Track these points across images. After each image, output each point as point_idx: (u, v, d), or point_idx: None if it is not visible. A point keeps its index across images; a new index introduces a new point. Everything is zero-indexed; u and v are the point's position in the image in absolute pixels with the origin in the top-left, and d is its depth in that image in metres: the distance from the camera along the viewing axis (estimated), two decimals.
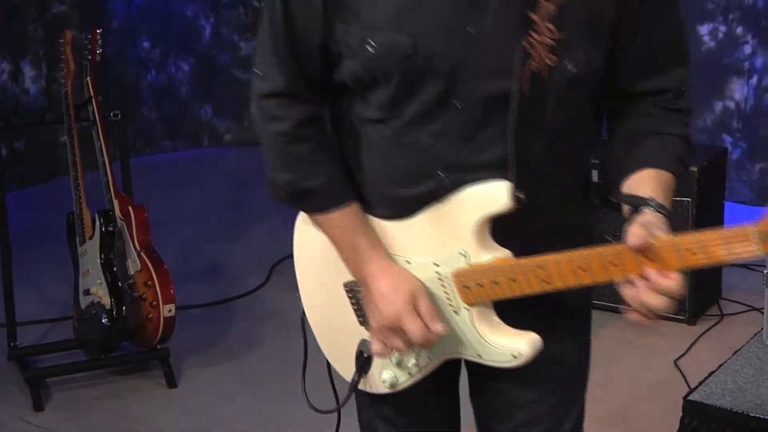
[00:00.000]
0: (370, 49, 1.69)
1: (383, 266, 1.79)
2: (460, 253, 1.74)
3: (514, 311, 1.77)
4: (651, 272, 1.58)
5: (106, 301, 3.75)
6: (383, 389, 1.90)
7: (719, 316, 4.29)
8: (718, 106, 5.54)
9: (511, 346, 1.76)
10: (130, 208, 3.78)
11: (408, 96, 1.71)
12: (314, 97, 1.83)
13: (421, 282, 1.78)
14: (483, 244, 1.73)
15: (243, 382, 3.88)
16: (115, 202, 3.78)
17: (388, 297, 1.76)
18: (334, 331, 1.96)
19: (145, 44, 6.60)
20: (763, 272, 3.75)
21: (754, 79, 5.41)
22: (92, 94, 3.82)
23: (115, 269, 3.79)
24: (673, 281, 1.57)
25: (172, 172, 6.36)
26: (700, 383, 3.43)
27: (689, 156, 1.82)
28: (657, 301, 1.59)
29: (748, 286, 4.44)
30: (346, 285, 1.88)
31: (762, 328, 3.75)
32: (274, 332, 4.26)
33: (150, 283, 3.70)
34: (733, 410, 3.21)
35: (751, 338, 3.77)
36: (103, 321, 3.75)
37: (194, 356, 4.05)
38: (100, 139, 3.79)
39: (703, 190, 4.17)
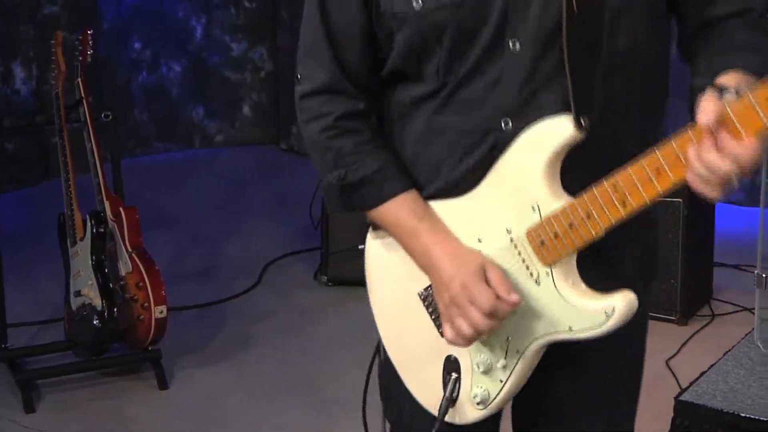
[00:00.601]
0: (419, 4, 1.66)
1: (448, 247, 1.71)
2: (532, 207, 1.63)
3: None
4: (722, 135, 1.43)
5: (98, 302, 3.75)
6: (475, 413, 1.75)
7: (710, 317, 4.30)
8: None
9: (603, 304, 1.62)
10: (121, 209, 3.77)
11: (462, 50, 1.66)
12: (357, 93, 1.79)
13: (493, 258, 1.68)
14: (554, 192, 1.62)
15: (236, 383, 3.87)
16: (107, 204, 3.78)
17: (457, 273, 1.67)
18: (419, 360, 1.82)
19: (137, 45, 6.59)
20: (753, 273, 3.76)
21: None
22: (83, 95, 3.81)
23: (106, 270, 3.78)
24: (743, 146, 1.42)
25: (164, 173, 6.36)
26: (692, 383, 3.43)
27: None
28: (724, 164, 1.44)
29: (739, 287, 4.45)
30: (420, 294, 1.78)
31: (753, 329, 3.75)
32: (267, 333, 4.26)
33: (141, 284, 3.70)
34: (725, 410, 3.22)
35: (742, 339, 3.77)
36: (95, 322, 3.74)
37: (187, 357, 4.04)
38: (91, 141, 3.78)
39: (693, 191, 4.17)
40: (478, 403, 1.73)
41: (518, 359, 1.69)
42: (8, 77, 5.98)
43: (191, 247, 5.21)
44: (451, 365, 1.75)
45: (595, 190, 1.57)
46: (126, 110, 6.45)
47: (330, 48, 1.77)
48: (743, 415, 3.18)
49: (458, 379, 1.74)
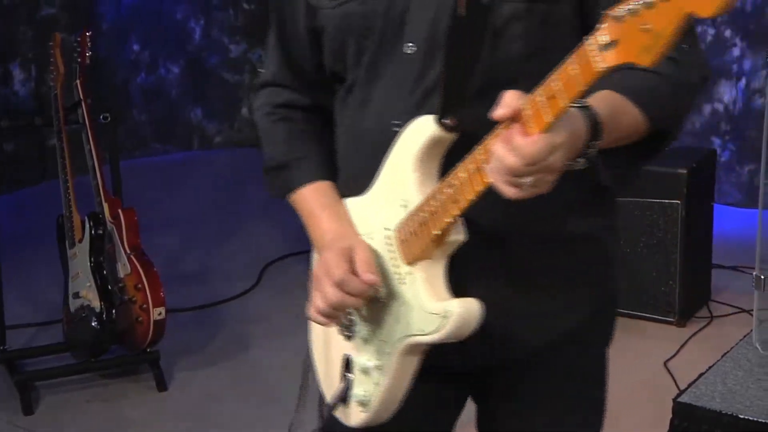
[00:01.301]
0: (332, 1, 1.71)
1: (336, 231, 1.74)
2: (401, 205, 1.64)
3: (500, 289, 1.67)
4: (512, 129, 1.40)
5: (96, 304, 3.75)
6: (359, 415, 1.74)
7: (709, 318, 4.30)
8: (707, 108, 5.55)
9: (442, 307, 1.58)
10: (119, 210, 3.77)
11: (364, 49, 1.69)
12: (302, 88, 1.85)
13: (375, 249, 1.68)
14: (423, 191, 1.61)
15: (234, 384, 3.87)
16: (105, 205, 3.78)
17: (325, 250, 1.70)
18: (328, 359, 1.84)
19: (135, 46, 6.59)
20: (752, 274, 3.76)
21: (743, 82, 5.42)
22: (82, 96, 3.81)
23: (105, 272, 3.78)
24: (529, 140, 1.38)
25: (162, 174, 6.35)
26: (690, 385, 3.43)
27: (674, 99, 1.61)
28: (508, 157, 1.39)
29: (737, 288, 4.45)
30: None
31: (751, 330, 3.75)
32: (265, 335, 4.25)
33: (140, 286, 3.70)
34: (723, 412, 3.22)
35: (741, 340, 3.77)
36: (93, 324, 3.74)
37: (185, 359, 4.04)
38: (89, 142, 3.78)
39: (692, 192, 4.18)
40: (359, 405, 1.73)
41: (389, 361, 1.68)
42: (7, 78, 5.98)
43: (190, 248, 5.20)
44: (348, 365, 1.76)
45: (438, 188, 1.57)
46: (125, 111, 6.44)
47: (279, 43, 1.85)
48: (742, 416, 3.18)
49: (351, 380, 1.74)
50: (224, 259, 5.06)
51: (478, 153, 1.49)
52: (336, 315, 1.70)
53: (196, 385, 3.88)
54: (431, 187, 1.59)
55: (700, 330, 4.20)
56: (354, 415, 1.75)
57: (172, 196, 5.88)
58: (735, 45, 5.42)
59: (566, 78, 1.36)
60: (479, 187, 1.49)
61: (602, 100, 1.51)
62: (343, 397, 1.74)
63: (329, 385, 1.83)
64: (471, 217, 1.58)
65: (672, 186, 4.16)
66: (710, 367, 3.54)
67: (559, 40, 1.63)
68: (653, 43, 1.29)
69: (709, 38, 5.47)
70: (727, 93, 5.46)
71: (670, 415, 3.23)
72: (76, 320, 3.81)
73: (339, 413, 1.77)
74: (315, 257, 1.81)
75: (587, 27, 1.61)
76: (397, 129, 1.66)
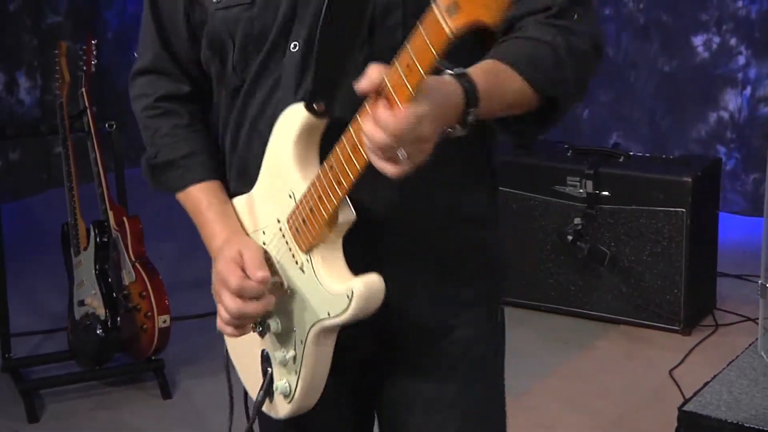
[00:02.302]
0: (216, 1, 1.69)
1: (222, 236, 1.74)
2: (289, 195, 1.63)
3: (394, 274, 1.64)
4: (378, 104, 1.38)
5: (101, 311, 3.75)
6: (285, 407, 1.76)
7: (714, 327, 4.29)
8: (713, 116, 5.56)
9: (345, 287, 1.58)
10: (124, 218, 3.78)
11: (252, 49, 1.68)
12: (182, 76, 1.83)
13: (271, 249, 1.68)
14: (306, 177, 1.60)
15: (238, 392, 3.87)
16: (110, 213, 3.78)
17: (217, 262, 1.71)
18: (246, 355, 1.84)
19: None
20: (757, 282, 3.76)
21: (748, 90, 5.42)
22: (87, 104, 3.82)
23: (109, 280, 3.78)
24: (394, 114, 1.36)
25: None
26: (695, 394, 3.43)
27: (559, 66, 1.58)
28: (377, 134, 1.38)
29: (742, 296, 4.45)
30: None
31: (757, 339, 3.75)
32: None
33: (145, 293, 3.70)
34: (728, 421, 3.22)
35: (746, 348, 3.77)
36: (98, 332, 3.74)
37: (189, 367, 4.04)
38: (94, 150, 3.79)
39: (697, 200, 4.18)
40: (285, 397, 1.74)
41: (303, 349, 1.68)
42: (12, 87, 5.99)
43: (194, 256, 5.20)
44: (266, 361, 1.77)
45: (320, 172, 1.56)
46: (129, 120, 6.44)
47: (156, 29, 1.82)
48: (747, 425, 3.18)
49: (272, 374, 1.75)
50: None
51: (352, 131, 1.47)
52: (244, 324, 1.71)
53: (201, 393, 3.88)
54: (313, 174, 1.59)
55: (705, 338, 4.20)
56: (280, 407, 1.77)
57: (176, 204, 5.86)
58: (740, 53, 5.42)
59: (419, 46, 1.34)
60: (360, 165, 1.48)
61: (482, 68, 1.50)
62: (268, 392, 1.76)
63: (252, 382, 1.85)
64: (362, 199, 1.58)
65: (677, 194, 4.16)
66: (715, 376, 3.54)
67: None
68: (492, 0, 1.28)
69: (714, 47, 5.48)
70: (732, 101, 5.46)
71: (675, 424, 3.23)
72: (80, 328, 3.81)
73: (266, 408, 1.80)
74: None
75: None
76: None
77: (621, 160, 4.37)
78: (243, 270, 1.66)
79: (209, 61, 1.76)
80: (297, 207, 1.62)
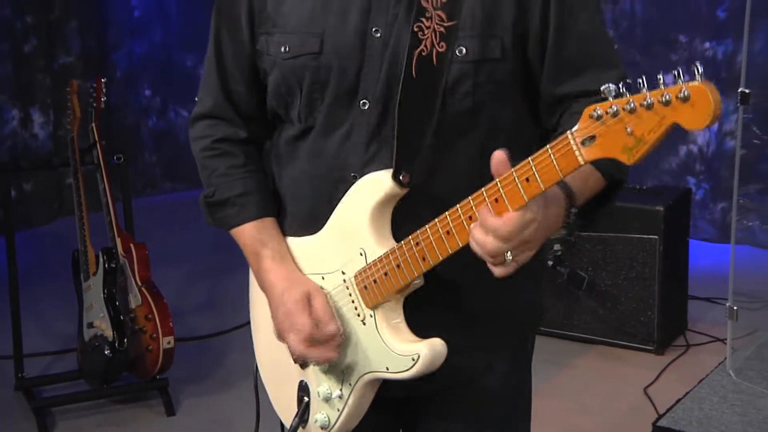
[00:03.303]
0: (285, 51, 1.69)
1: (281, 273, 1.73)
2: (360, 253, 1.65)
3: (438, 324, 1.67)
4: (482, 210, 1.43)
5: (109, 333, 3.73)
6: None
7: (685, 347, 4.29)
8: (683, 149, 5.58)
9: (411, 349, 1.61)
10: (131, 245, 3.77)
11: (319, 100, 1.69)
12: (240, 122, 1.82)
13: (332, 295, 1.69)
14: (380, 240, 1.63)
15: (238, 410, 3.85)
16: (118, 240, 3.77)
17: (282, 298, 1.70)
18: (280, 382, 1.85)
19: (147, 92, 6.62)
20: (726, 305, 3.77)
21: (716, 126, 5.45)
22: (96, 139, 3.82)
23: (117, 303, 3.77)
24: (500, 220, 1.40)
25: (171, 211, 6.35)
26: (669, 410, 3.43)
27: None
28: (488, 241, 1.42)
29: (712, 318, 4.45)
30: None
31: (725, 358, 3.75)
32: None
33: (150, 316, 3.69)
34: None
35: (716, 367, 3.77)
36: (106, 352, 3.72)
37: (192, 386, 4.03)
38: (103, 181, 3.78)
39: (669, 228, 4.19)
40: (320, 427, 1.75)
41: (350, 392, 1.71)
42: (27, 122, 6.00)
43: (197, 281, 5.20)
44: (303, 390, 1.78)
45: (404, 244, 1.59)
46: (136, 153, 6.46)
47: (219, 78, 1.81)
48: None
49: (308, 404, 1.76)
50: (229, 291, 5.05)
51: (449, 218, 1.50)
52: (306, 363, 1.73)
53: (203, 411, 3.86)
54: (387, 238, 1.62)
55: (677, 358, 4.19)
56: None
57: (181, 232, 5.87)
58: None
59: (545, 166, 1.37)
60: (451, 248, 1.52)
61: (574, 176, 1.50)
62: (302, 419, 1.76)
63: (282, 404, 1.85)
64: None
65: (650, 222, 4.17)
66: (687, 393, 3.54)
67: (503, 93, 1.65)
68: (635, 145, 1.32)
69: None
70: (701, 135, 5.49)
71: None
72: (89, 349, 3.80)
73: None
74: (253, 283, 1.87)
75: (530, 81, 1.66)
76: (353, 179, 1.66)
77: None
78: (312, 315, 1.67)
79: (274, 107, 1.76)
80: (369, 267, 1.63)
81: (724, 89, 5.37)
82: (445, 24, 1.60)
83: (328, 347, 1.67)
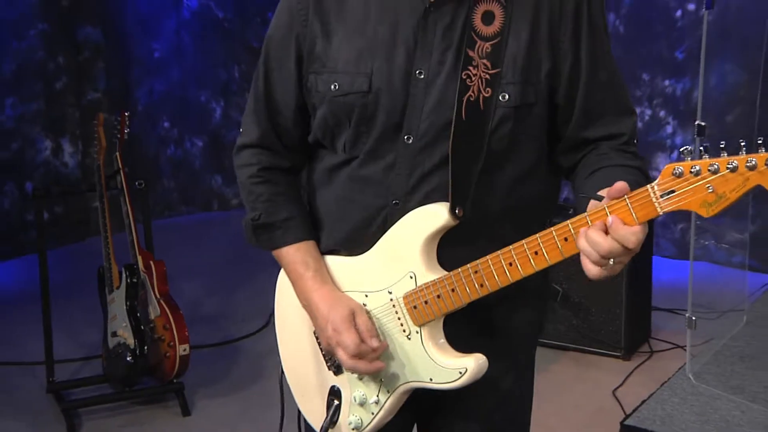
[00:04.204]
0: (334, 88, 1.68)
1: (325, 293, 1.73)
2: (410, 276, 1.66)
3: (460, 337, 1.69)
4: (613, 218, 1.46)
5: (131, 341, 3.72)
6: None
7: (649, 353, 4.28)
8: None
9: (458, 364, 1.65)
10: (151, 262, 3.76)
11: (365, 133, 1.69)
12: (284, 152, 1.82)
13: (375, 312, 1.70)
14: (429, 265, 1.65)
15: (247, 411, 3.84)
16: (139, 258, 3.76)
17: (329, 317, 1.70)
18: (309, 385, 1.85)
19: (165, 124, 6.62)
20: (685, 316, 3.76)
21: (675, 154, 5.46)
22: (120, 166, 3.82)
23: (138, 314, 3.76)
24: (630, 229, 1.44)
25: (187, 232, 6.34)
26: (634, 410, 3.42)
27: (648, 179, 1.66)
28: (600, 240, 1.46)
29: (673, 327, 4.44)
30: (315, 332, 1.80)
31: (685, 363, 3.74)
32: (274, 368, 4.21)
33: (168, 326, 3.68)
34: None
35: (677, 372, 3.77)
36: (128, 359, 3.71)
37: (206, 389, 4.01)
38: (126, 204, 3.78)
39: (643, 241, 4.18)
40: (353, 429, 1.76)
41: (388, 398, 1.72)
42: (58, 152, 5.99)
43: (210, 294, 5.18)
44: (334, 394, 1.77)
45: (461, 271, 1.61)
46: (156, 179, 6.46)
47: (267, 112, 1.80)
48: None
49: (339, 407, 1.76)
50: (239, 303, 5.04)
51: (513, 250, 1.54)
52: (356, 372, 1.74)
53: (215, 411, 3.84)
54: (435, 264, 1.64)
55: (642, 363, 4.18)
56: None
57: (196, 250, 5.86)
58: (668, 123, 5.46)
59: (623, 212, 1.45)
60: (512, 278, 1.55)
61: None
62: (332, 421, 1.76)
63: (310, 406, 1.85)
64: None
65: None
66: (651, 395, 3.53)
67: (532, 132, 1.68)
68: (715, 201, 1.37)
69: (647, 118, 5.52)
70: (662, 163, 5.50)
71: None
72: (113, 356, 3.78)
73: None
74: (282, 288, 1.85)
75: (551, 122, 1.69)
76: (395, 206, 1.67)
77: (570, 212, 4.37)
78: (357, 332, 1.68)
79: (319, 138, 1.76)
80: (420, 289, 1.65)
81: (682, 122, 5.39)
82: (490, 72, 1.62)
83: (374, 360, 1.68)
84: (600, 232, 1.46)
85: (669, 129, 5.46)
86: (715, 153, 1.40)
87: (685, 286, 3.83)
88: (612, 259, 1.47)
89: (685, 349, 3.89)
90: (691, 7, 5.29)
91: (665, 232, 5.50)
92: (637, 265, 4.22)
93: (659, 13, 5.39)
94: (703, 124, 3.56)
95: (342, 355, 1.68)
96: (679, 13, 5.36)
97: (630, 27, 5.46)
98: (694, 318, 3.73)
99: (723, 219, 5.22)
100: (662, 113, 5.47)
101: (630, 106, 1.73)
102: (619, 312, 4.17)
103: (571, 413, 3.74)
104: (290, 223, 1.79)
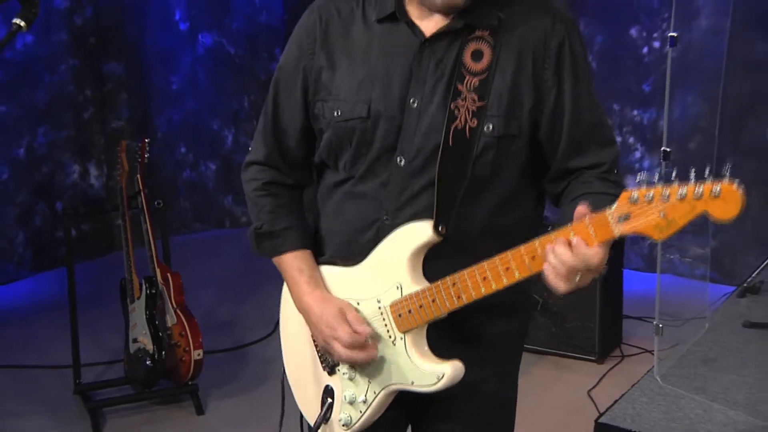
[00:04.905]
0: (337, 114, 1.70)
1: (317, 296, 1.74)
2: (396, 287, 1.67)
3: (444, 344, 1.69)
4: (576, 239, 1.47)
5: (150, 347, 3.71)
6: (341, 431, 1.77)
7: (621, 357, 4.28)
8: None
9: (437, 369, 1.65)
10: (168, 274, 3.76)
11: (364, 154, 1.70)
12: (288, 170, 1.84)
13: (366, 318, 1.70)
14: (415, 277, 1.66)
15: (254, 410, 3.83)
16: (157, 270, 3.76)
17: (322, 315, 1.71)
18: (307, 385, 1.85)
19: (182, 150, 6.62)
20: (653, 323, 3.76)
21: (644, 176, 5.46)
22: (141, 188, 3.82)
23: (156, 322, 3.75)
24: (591, 249, 1.45)
25: (201, 247, 6.34)
26: (607, 409, 3.42)
27: None
28: (566, 254, 1.47)
29: (642, 334, 4.44)
30: (312, 336, 1.81)
31: (653, 366, 3.74)
32: (279, 372, 4.20)
33: (183, 333, 3.67)
34: (633, 430, 3.19)
35: (645, 374, 3.76)
36: (147, 363, 3.70)
37: (218, 390, 3.99)
38: (146, 222, 3.78)
39: (606, 260, 4.18)
40: (343, 425, 1.76)
41: (375, 398, 1.73)
42: (85, 175, 5.99)
43: (222, 304, 5.17)
44: (328, 393, 1.78)
45: (441, 284, 1.61)
46: (173, 199, 6.45)
47: (274, 133, 1.82)
48: None
49: (332, 404, 1.76)
50: (248, 312, 5.03)
51: (486, 267, 1.55)
52: (354, 363, 1.73)
53: (227, 411, 3.83)
54: (420, 276, 1.65)
55: (614, 366, 4.18)
56: (337, 431, 1.77)
57: (209, 263, 5.85)
58: (637, 149, 5.48)
59: (583, 233, 1.45)
60: (486, 291, 1.56)
61: None
62: (325, 417, 1.77)
63: (306, 405, 1.85)
64: None
65: None
66: (622, 396, 3.52)
67: (513, 162, 1.68)
68: (667, 226, 1.38)
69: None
70: (631, 185, 5.50)
71: None
72: (134, 360, 3.77)
73: (322, 430, 1.80)
74: (285, 298, 1.85)
75: (533, 154, 1.69)
76: (386, 220, 1.68)
77: (549, 229, 4.37)
78: (349, 324, 1.68)
79: (324, 158, 1.77)
80: (405, 299, 1.65)
81: (649, 148, 5.41)
82: (477, 104, 1.63)
83: (367, 349, 1.68)
84: (566, 247, 1.47)
85: (638, 154, 5.48)
86: (683, 176, 1.40)
87: (653, 296, 3.84)
88: (578, 276, 1.47)
89: (653, 354, 3.89)
90: (657, 44, 5.32)
91: (634, 247, 5.51)
92: (609, 278, 4.22)
93: (628, 51, 5.42)
94: (668, 150, 3.57)
95: (338, 348, 1.69)
96: (645, 50, 5.38)
97: (602, 63, 5.48)
98: (661, 325, 3.73)
99: (686, 235, 5.23)
100: (631, 140, 5.49)
101: (611, 136, 1.74)
102: (593, 320, 4.17)
103: (550, 412, 3.74)
104: (289, 233, 1.80)
